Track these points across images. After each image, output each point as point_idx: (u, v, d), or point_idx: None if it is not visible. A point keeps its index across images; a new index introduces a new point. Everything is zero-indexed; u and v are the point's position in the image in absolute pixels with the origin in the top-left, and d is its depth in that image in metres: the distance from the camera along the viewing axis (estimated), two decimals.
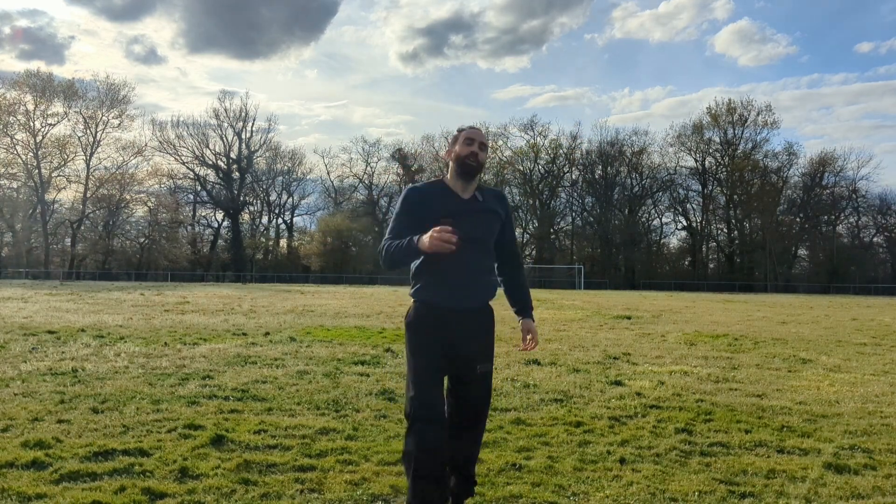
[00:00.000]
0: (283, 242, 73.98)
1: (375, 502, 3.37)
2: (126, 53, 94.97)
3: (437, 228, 2.59)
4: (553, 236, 71.10)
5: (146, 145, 65.05)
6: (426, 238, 2.61)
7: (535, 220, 70.59)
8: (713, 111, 66.96)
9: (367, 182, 73.71)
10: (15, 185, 61.23)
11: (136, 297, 22.19)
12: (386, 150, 74.02)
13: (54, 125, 60.13)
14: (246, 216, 72.10)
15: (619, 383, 6.78)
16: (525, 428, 4.83)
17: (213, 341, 9.69)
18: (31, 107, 58.69)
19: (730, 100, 67.14)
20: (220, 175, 70.04)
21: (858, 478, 3.84)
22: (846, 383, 7.11)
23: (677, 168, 68.68)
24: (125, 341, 9.47)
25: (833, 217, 66.69)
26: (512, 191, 68.65)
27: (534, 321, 3.11)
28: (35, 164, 59.09)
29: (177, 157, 68.30)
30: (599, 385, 6.66)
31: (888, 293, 53.49)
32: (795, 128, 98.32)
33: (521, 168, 70.73)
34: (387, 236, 2.88)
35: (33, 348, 8.46)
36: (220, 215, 70.94)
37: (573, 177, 71.91)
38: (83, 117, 60.93)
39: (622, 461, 4.06)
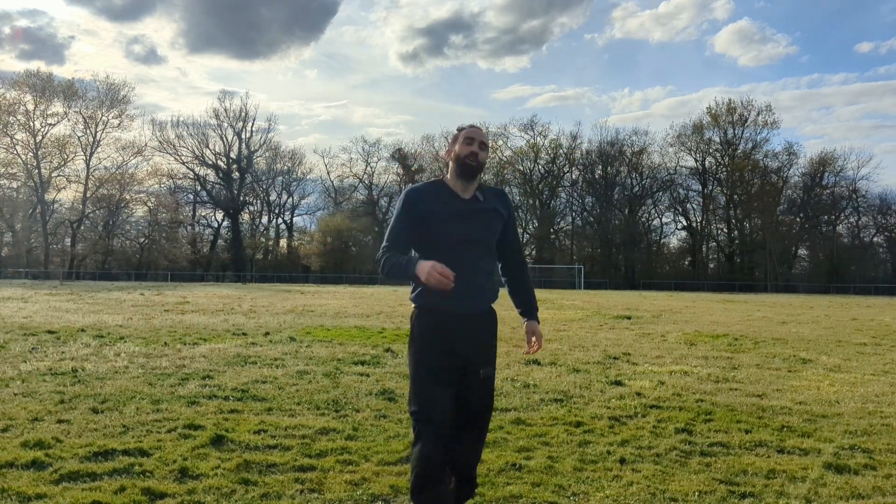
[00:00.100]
0: (283, 242, 74.03)
1: (375, 502, 3.37)
2: (126, 53, 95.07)
3: (438, 266, 2.57)
4: (553, 236, 71.10)
5: (146, 145, 65.13)
6: (424, 271, 2.59)
7: (535, 220, 70.59)
8: (713, 111, 67.01)
9: (367, 182, 73.79)
10: (15, 185, 61.29)
11: (136, 297, 22.19)
12: (386, 150, 74.13)
13: (54, 125, 60.24)
14: (246, 216, 72.18)
15: (619, 383, 6.78)
16: (525, 428, 4.83)
17: (213, 341, 9.69)
18: (30, 107, 58.77)
19: (730, 100, 67.23)
20: (220, 175, 70.04)
21: (858, 478, 3.84)
22: (846, 383, 7.11)
23: (677, 168, 68.74)
24: (125, 341, 9.47)
25: (833, 217, 66.68)
26: (512, 191, 68.57)
27: (539, 323, 3.07)
28: (35, 164, 59.09)
29: (177, 157, 68.38)
30: (599, 385, 6.66)
31: (888, 293, 53.47)
32: (795, 128, 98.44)
33: (521, 168, 70.75)
34: (386, 240, 2.85)
35: (33, 348, 8.47)
36: (219, 215, 71.02)
37: (573, 177, 71.96)
38: (83, 117, 60.97)
39: (622, 461, 4.06)
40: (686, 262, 69.72)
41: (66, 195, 63.21)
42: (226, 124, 69.55)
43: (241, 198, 70.08)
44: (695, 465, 4.02)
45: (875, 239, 67.26)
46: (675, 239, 72.83)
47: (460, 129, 2.93)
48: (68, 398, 5.46)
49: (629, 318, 16.91)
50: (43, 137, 59.58)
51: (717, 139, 67.57)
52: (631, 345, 10.49)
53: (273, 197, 72.72)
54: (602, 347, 9.99)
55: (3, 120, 57.72)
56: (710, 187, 68.29)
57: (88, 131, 61.40)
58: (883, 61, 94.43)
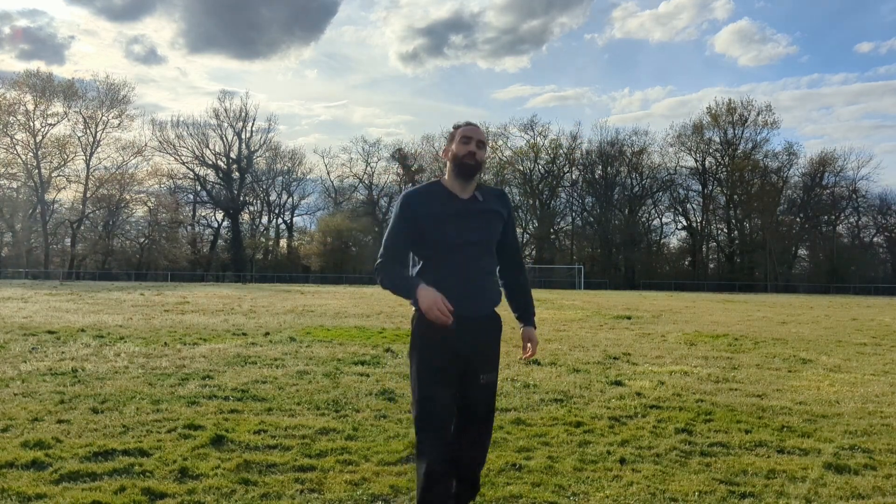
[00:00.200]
0: (283, 242, 74.02)
1: (375, 502, 3.37)
2: (126, 53, 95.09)
3: (440, 303, 2.56)
4: (553, 236, 71.10)
5: (146, 145, 65.13)
6: (426, 303, 2.57)
7: (535, 220, 70.59)
8: (713, 111, 67.01)
9: (367, 182, 73.80)
10: (15, 185, 61.29)
11: (135, 297, 22.19)
12: (386, 150, 74.13)
13: (54, 125, 60.24)
14: (246, 216, 72.17)
15: (619, 383, 6.77)
16: (525, 428, 4.83)
17: (213, 341, 9.69)
18: (31, 107, 58.77)
19: (730, 100, 67.23)
20: (220, 175, 70.03)
21: (858, 478, 3.84)
22: (846, 383, 7.11)
23: (677, 168, 68.75)
24: (125, 341, 9.47)
25: (833, 217, 66.68)
26: (512, 191, 68.56)
27: (535, 328, 3.01)
28: (35, 164, 59.09)
29: (177, 157, 68.37)
30: (599, 385, 6.66)
31: (888, 293, 53.47)
32: (795, 128, 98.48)
33: (521, 168, 70.75)
34: (383, 248, 2.80)
35: (33, 348, 8.46)
36: (219, 215, 71.02)
37: (573, 177, 71.97)
38: (83, 117, 60.97)
39: (622, 461, 4.06)
40: (686, 263, 69.72)
41: (66, 195, 63.33)
42: (226, 124, 69.64)
43: (241, 198, 70.09)
44: (695, 465, 4.02)
45: (875, 239, 67.29)
46: (675, 239, 72.96)
47: (456, 128, 2.87)
48: (68, 398, 5.46)
49: (629, 318, 16.91)
50: (43, 137, 59.66)
51: (717, 139, 67.63)
52: (631, 345, 10.49)
53: (273, 197, 72.82)
54: (602, 347, 9.98)
55: (3, 120, 57.74)
56: (710, 187, 68.31)
57: (88, 131, 61.48)
58: (883, 61, 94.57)
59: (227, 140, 69.98)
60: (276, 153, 71.40)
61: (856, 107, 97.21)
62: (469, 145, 2.80)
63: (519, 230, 66.36)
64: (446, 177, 2.87)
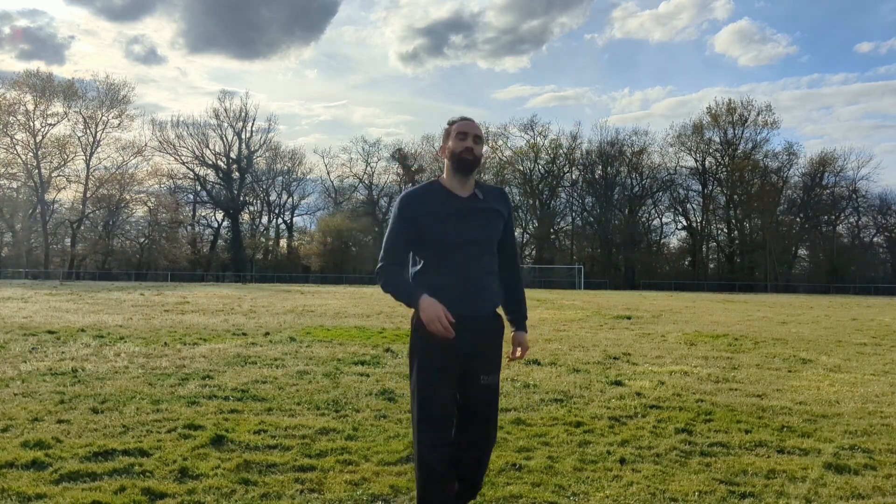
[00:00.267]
0: (283, 242, 74.01)
1: (375, 502, 3.37)
2: (126, 53, 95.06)
3: (443, 316, 2.56)
4: (553, 236, 71.09)
5: (146, 145, 65.12)
6: (429, 315, 2.57)
7: (535, 220, 70.59)
8: (713, 111, 66.99)
9: (367, 182, 73.78)
10: (15, 185, 61.27)
11: (135, 297, 22.19)
12: (386, 150, 74.11)
13: (54, 125, 60.22)
14: (246, 216, 72.16)
15: (619, 383, 6.77)
16: (525, 428, 4.83)
17: (213, 341, 9.69)
18: (30, 107, 58.76)
19: (730, 100, 67.21)
20: (220, 175, 70.03)
21: (858, 478, 3.84)
22: (846, 383, 7.11)
23: (677, 168, 68.73)
24: (125, 341, 9.47)
25: (833, 217, 66.67)
26: (512, 191, 68.54)
27: (526, 332, 3.00)
28: (35, 164, 59.07)
29: (177, 157, 68.36)
30: (599, 385, 6.66)
31: (888, 293, 53.45)
32: (795, 128, 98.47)
33: (521, 168, 70.75)
34: (383, 252, 2.78)
35: (33, 348, 8.46)
36: (219, 215, 71.01)
37: (573, 177, 71.95)
38: (83, 117, 60.96)
39: (622, 461, 4.06)
40: (686, 263, 69.72)
41: (66, 195, 63.33)
42: (226, 124, 69.63)
43: (241, 198, 70.09)
44: (695, 465, 4.02)
45: (875, 239, 67.28)
46: (675, 239, 72.94)
47: (451, 123, 2.84)
48: (68, 398, 5.46)
49: (629, 318, 16.91)
50: (43, 137, 59.65)
51: (717, 139, 67.63)
52: (631, 345, 10.49)
53: (273, 197, 72.81)
54: (602, 347, 9.98)
55: (3, 120, 57.73)
56: (710, 187, 68.30)
57: (88, 131, 61.47)
58: (883, 61, 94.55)
59: (227, 140, 70.06)
60: (276, 153, 71.44)
61: (856, 107, 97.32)
62: (465, 141, 2.77)
63: (519, 230, 66.45)
64: (444, 175, 2.85)
